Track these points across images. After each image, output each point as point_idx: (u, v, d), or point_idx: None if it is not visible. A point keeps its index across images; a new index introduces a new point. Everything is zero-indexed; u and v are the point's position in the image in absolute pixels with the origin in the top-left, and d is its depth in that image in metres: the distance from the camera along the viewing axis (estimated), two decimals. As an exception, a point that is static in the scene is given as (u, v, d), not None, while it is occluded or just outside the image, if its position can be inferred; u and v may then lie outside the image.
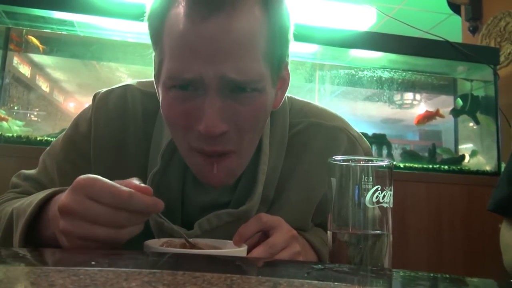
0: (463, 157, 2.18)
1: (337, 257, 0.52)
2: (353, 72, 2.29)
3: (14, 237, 0.62)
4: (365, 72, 2.28)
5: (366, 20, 2.70)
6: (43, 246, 0.62)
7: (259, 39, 0.60)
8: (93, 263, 0.41)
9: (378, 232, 0.51)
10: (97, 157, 0.74)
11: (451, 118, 2.36)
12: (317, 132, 0.77)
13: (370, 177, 0.51)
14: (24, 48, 1.97)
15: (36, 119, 2.24)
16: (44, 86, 2.52)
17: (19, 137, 1.66)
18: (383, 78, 2.30)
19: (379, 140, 2.12)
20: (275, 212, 0.69)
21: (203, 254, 0.56)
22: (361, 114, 2.83)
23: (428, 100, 2.69)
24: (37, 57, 2.26)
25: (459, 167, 2.08)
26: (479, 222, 1.82)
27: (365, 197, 0.50)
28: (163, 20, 0.61)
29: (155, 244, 0.58)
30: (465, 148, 2.29)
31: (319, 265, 0.50)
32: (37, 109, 2.29)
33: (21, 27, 1.87)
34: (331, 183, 0.53)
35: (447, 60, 2.10)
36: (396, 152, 2.18)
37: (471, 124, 2.28)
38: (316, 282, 0.39)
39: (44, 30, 1.88)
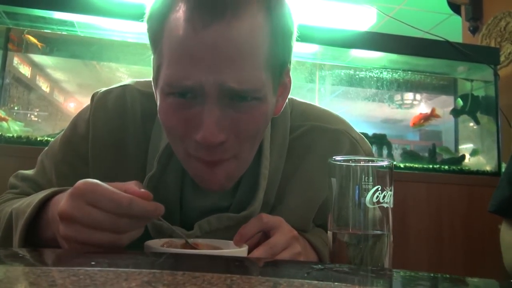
0: (463, 157, 2.18)
1: (338, 257, 0.52)
2: (353, 72, 2.30)
3: (14, 238, 0.62)
4: (366, 72, 2.28)
5: (366, 20, 2.70)
6: (42, 247, 0.62)
7: (261, 46, 0.58)
8: (93, 263, 0.41)
9: (379, 232, 0.51)
10: (95, 157, 0.73)
11: (451, 118, 2.36)
12: (319, 135, 0.76)
13: (371, 177, 0.51)
14: (24, 48, 1.97)
15: (36, 119, 2.24)
16: (44, 86, 2.52)
17: (19, 137, 1.66)
18: (383, 78, 2.30)
19: (380, 140, 2.12)
20: (277, 215, 0.68)
21: (203, 254, 0.56)
22: (361, 114, 2.83)
23: (428, 100, 2.69)
24: (37, 57, 2.26)
25: (459, 168, 2.08)
26: (479, 222, 1.82)
27: (366, 197, 0.50)
28: (163, 23, 0.59)
29: (156, 244, 0.58)
30: (465, 148, 2.29)
31: (319, 265, 0.50)
32: (37, 109, 2.29)
33: (21, 27, 1.87)
34: (331, 183, 0.53)
35: (447, 60, 2.10)
36: (397, 152, 2.18)
37: (471, 124, 2.28)
38: (316, 282, 0.39)
39: (44, 31, 1.88)
